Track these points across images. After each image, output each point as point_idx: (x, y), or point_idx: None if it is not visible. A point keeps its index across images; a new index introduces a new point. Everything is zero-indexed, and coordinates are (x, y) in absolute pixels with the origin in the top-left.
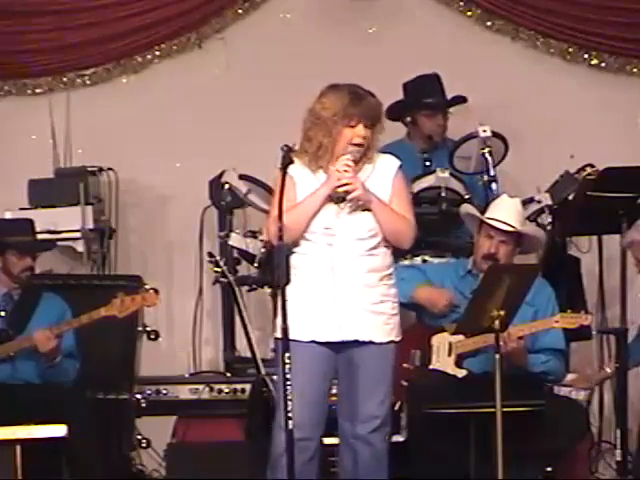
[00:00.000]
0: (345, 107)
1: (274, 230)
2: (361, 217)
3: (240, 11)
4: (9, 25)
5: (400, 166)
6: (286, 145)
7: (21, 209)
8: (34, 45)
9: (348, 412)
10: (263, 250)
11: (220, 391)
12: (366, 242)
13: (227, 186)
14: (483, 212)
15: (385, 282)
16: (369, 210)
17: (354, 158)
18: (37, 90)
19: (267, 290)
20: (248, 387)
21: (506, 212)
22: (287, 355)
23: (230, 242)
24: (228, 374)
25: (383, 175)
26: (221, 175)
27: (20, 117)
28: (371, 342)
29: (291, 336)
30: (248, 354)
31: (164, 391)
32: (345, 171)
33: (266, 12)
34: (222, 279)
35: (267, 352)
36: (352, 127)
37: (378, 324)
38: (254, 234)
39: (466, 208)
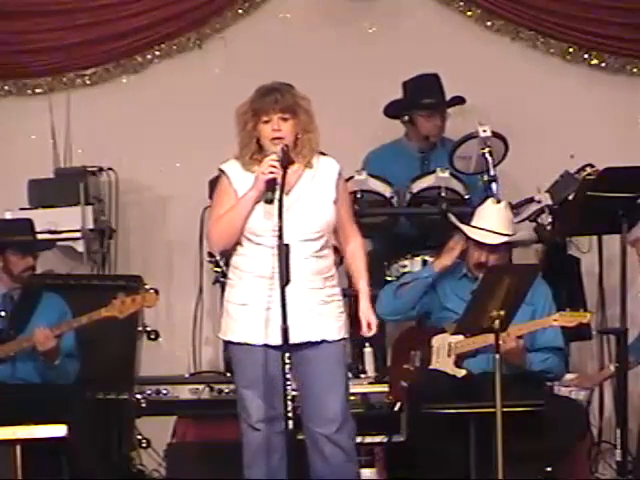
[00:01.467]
0: (253, 102)
1: (214, 237)
2: (308, 218)
3: (240, 11)
4: (9, 25)
5: (341, 169)
6: (286, 145)
7: (21, 209)
8: (34, 45)
9: (310, 413)
10: None
11: (220, 391)
12: (313, 244)
13: None
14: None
15: (330, 283)
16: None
17: (279, 157)
18: (37, 90)
19: None
20: None
21: (492, 221)
22: (287, 355)
23: None
24: (228, 374)
25: (325, 179)
26: None
27: (20, 117)
28: (324, 341)
29: (243, 339)
30: None
31: (164, 391)
32: (270, 172)
33: (266, 12)
34: (222, 279)
35: None
36: (267, 122)
37: (328, 323)
38: None
39: (451, 219)
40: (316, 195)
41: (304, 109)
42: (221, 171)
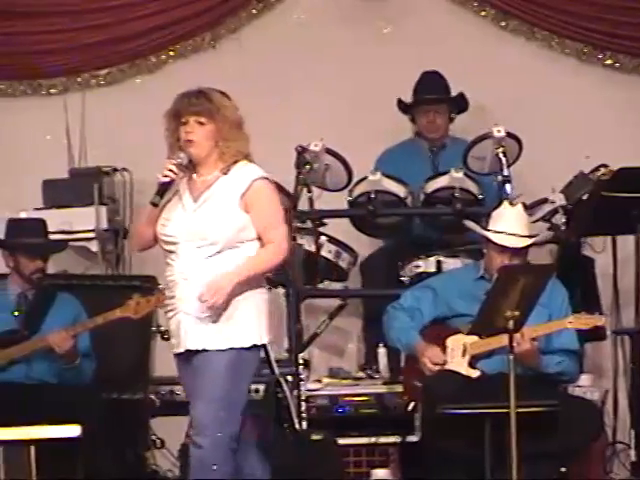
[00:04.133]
0: (173, 103)
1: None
2: (206, 225)
3: (254, 12)
4: (24, 25)
5: (261, 178)
6: (300, 146)
7: (36, 209)
8: (49, 45)
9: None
10: None
11: None
12: (208, 249)
13: None
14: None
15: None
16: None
17: (183, 161)
18: (52, 90)
19: (281, 290)
20: (262, 387)
21: (512, 224)
22: (300, 356)
23: None
24: None
25: (235, 187)
26: None
27: (35, 117)
28: (204, 350)
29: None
30: (262, 354)
31: (178, 391)
32: (165, 175)
33: (280, 13)
34: None
35: (281, 352)
36: (184, 124)
37: (211, 332)
38: None
39: (469, 225)
40: (221, 203)
41: (224, 116)
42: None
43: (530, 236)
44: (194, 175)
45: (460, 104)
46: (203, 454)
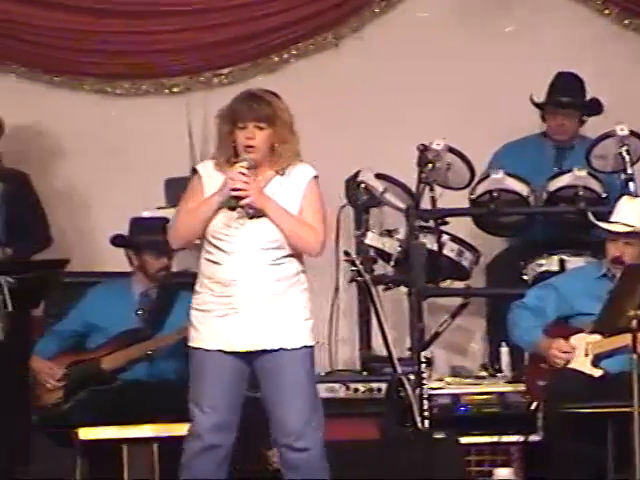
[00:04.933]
0: (231, 106)
1: (172, 233)
2: (264, 227)
3: (377, 10)
4: (146, 25)
5: (315, 177)
6: (422, 144)
7: (158, 208)
8: (171, 45)
9: (272, 422)
10: (400, 249)
11: (356, 390)
12: (270, 253)
13: (363, 185)
14: None
15: (294, 288)
16: (263, 216)
17: (250, 165)
18: (174, 89)
19: (404, 289)
20: (384, 386)
21: (625, 214)
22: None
23: (366, 241)
24: (364, 373)
25: (293, 187)
26: (357, 174)
27: (157, 116)
28: (282, 349)
29: (198, 344)
30: (384, 353)
31: None
32: (237, 179)
33: (403, 11)
34: (358, 278)
35: (403, 351)
36: (243, 129)
37: (287, 331)
38: (390, 233)
39: (590, 217)
40: (283, 204)
41: (282, 120)
42: (194, 170)
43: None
44: None
45: (593, 108)
46: (311, 456)
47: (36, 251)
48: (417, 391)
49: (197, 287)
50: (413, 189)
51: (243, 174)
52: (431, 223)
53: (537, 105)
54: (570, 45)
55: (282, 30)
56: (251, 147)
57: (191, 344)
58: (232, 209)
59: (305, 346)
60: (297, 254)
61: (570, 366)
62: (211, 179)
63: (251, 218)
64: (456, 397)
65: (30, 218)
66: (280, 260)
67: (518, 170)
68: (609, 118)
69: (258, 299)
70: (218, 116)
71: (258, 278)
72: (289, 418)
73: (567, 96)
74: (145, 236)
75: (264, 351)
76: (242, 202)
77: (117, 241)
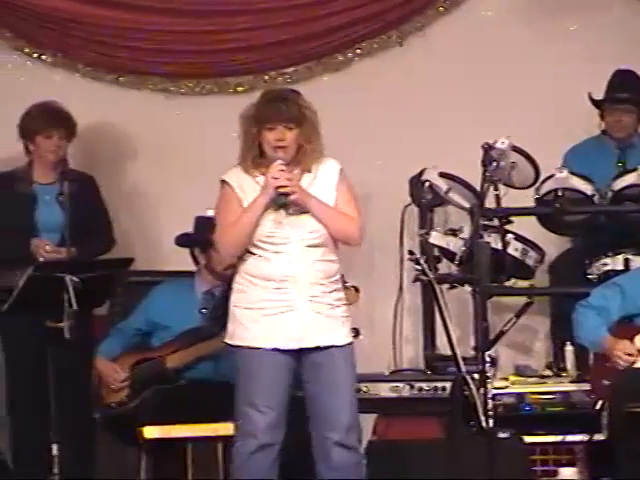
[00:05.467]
0: (258, 108)
1: (225, 245)
2: (308, 223)
3: (441, 9)
4: (209, 24)
5: (341, 169)
6: (487, 143)
7: None
8: (234, 44)
9: (319, 419)
10: (464, 248)
11: (420, 389)
12: (316, 249)
13: (427, 184)
14: None
15: (337, 286)
16: (307, 212)
17: (286, 162)
18: (238, 89)
19: (468, 288)
20: (448, 385)
21: None
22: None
23: (431, 240)
24: (429, 372)
25: (324, 182)
26: (421, 173)
27: (220, 115)
28: (333, 346)
29: (251, 343)
30: (449, 352)
31: (364, 389)
32: (279, 177)
33: (468, 10)
34: (422, 277)
35: (468, 350)
36: (271, 129)
37: (336, 328)
38: (455, 232)
39: None
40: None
41: (309, 119)
42: (223, 182)
43: None
44: None
45: None
46: (358, 455)
47: (99, 253)
48: (481, 390)
49: (241, 286)
50: (477, 188)
51: (282, 170)
52: (495, 222)
53: (595, 103)
54: (632, 44)
55: (346, 29)
56: (282, 147)
57: (240, 343)
58: (281, 207)
59: (349, 343)
60: (335, 252)
61: (636, 366)
62: (243, 185)
63: (299, 214)
64: (520, 396)
65: (94, 220)
66: (326, 256)
67: (587, 171)
68: None
69: (312, 296)
70: (243, 117)
71: (310, 275)
72: (342, 414)
73: (624, 92)
74: (209, 235)
75: (315, 348)
76: (291, 197)
77: (183, 240)
